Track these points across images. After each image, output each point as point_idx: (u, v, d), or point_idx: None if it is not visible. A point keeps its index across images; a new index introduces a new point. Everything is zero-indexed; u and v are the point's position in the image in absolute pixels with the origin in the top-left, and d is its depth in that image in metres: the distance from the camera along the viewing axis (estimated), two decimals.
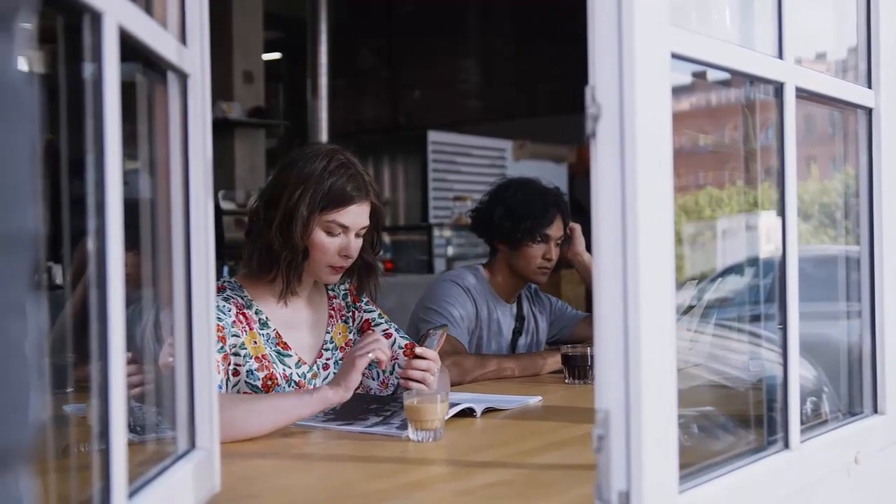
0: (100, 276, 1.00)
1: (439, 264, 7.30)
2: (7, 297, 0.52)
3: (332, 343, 2.32)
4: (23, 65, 0.57)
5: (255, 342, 2.16)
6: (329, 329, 2.33)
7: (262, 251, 2.18)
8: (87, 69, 1.01)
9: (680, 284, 1.28)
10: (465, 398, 2.15)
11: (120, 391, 1.01)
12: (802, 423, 1.54)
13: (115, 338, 1.01)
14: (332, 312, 2.36)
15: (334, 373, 2.27)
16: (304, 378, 2.23)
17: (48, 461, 1.09)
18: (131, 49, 1.10)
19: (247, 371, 2.13)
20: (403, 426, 1.89)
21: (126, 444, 1.02)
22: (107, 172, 1.00)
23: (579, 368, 2.62)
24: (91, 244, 1.00)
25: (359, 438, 1.90)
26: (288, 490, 1.58)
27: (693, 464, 1.32)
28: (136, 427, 1.37)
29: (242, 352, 2.12)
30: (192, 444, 1.36)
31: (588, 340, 2.92)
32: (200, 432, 1.37)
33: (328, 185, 2.14)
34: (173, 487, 1.22)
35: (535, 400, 2.32)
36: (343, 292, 2.40)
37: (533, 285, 3.16)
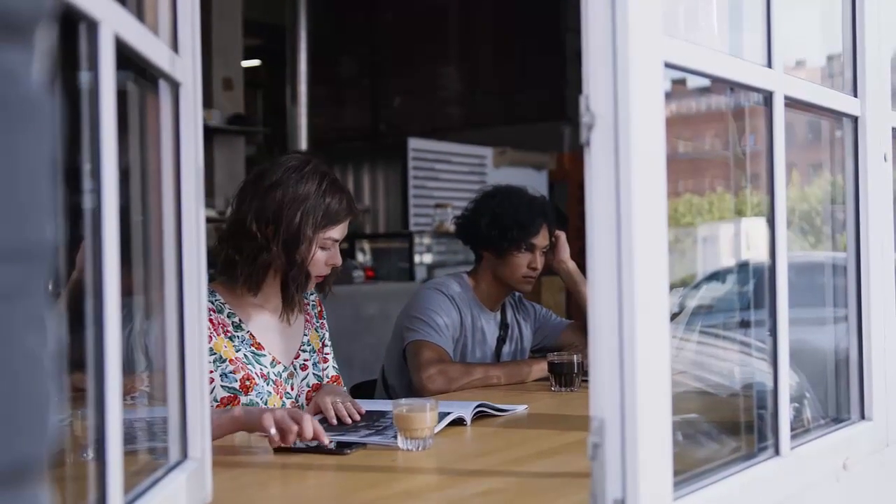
0: (95, 284, 0.99)
1: (420, 272, 7.29)
2: (26, 309, 0.52)
3: (309, 346, 2.40)
4: (42, 76, 0.56)
5: (226, 346, 2.21)
6: (306, 332, 2.41)
7: (260, 270, 2.23)
8: (83, 77, 1.00)
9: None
10: (453, 407, 2.14)
11: (116, 402, 1.00)
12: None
13: (111, 349, 1.00)
14: (308, 317, 2.44)
15: (313, 373, 2.38)
16: (280, 377, 2.29)
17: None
18: (124, 57, 1.10)
19: (221, 375, 2.18)
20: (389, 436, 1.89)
21: (122, 456, 1.02)
22: (103, 181, 0.99)
23: (566, 376, 2.62)
24: (87, 253, 1.00)
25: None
26: (279, 500, 1.57)
27: (686, 471, 1.33)
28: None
29: (212, 357, 2.14)
30: (185, 455, 1.35)
31: (572, 348, 2.92)
32: (192, 443, 1.36)
33: (327, 204, 2.24)
34: (167, 498, 1.21)
35: (522, 408, 2.33)
36: (312, 302, 2.48)
37: (517, 293, 3.16)
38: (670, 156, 1.25)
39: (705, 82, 1.57)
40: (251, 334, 2.27)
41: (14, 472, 0.51)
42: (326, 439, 1.84)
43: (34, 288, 0.53)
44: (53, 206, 0.57)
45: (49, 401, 0.54)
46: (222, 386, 2.17)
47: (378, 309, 5.92)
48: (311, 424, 1.82)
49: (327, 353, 2.49)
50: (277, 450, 1.85)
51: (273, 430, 1.80)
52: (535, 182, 7.43)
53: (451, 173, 8.16)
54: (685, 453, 1.49)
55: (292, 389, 2.31)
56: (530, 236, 2.96)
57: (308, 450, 1.85)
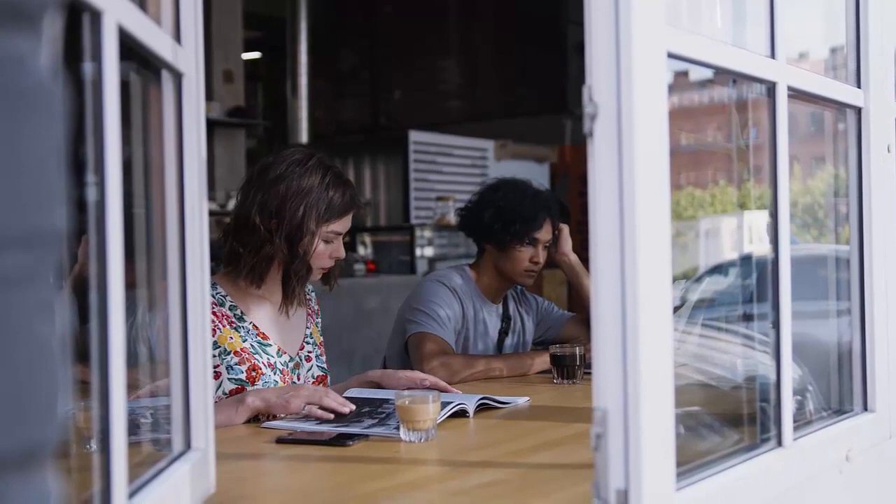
0: (100, 277, 0.99)
1: (421, 265, 7.29)
2: (36, 295, 0.52)
3: (311, 338, 2.43)
4: (49, 63, 0.56)
5: (232, 338, 2.23)
6: (308, 325, 2.43)
7: (263, 262, 2.25)
8: (87, 68, 1.00)
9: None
10: (456, 398, 2.15)
11: (120, 393, 1.00)
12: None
13: (115, 340, 1.00)
14: (310, 311, 2.46)
15: (317, 366, 2.41)
16: (287, 367, 2.31)
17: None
18: (127, 48, 1.10)
19: (227, 367, 2.19)
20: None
21: (126, 446, 1.02)
22: (107, 173, 0.99)
23: (568, 368, 2.63)
24: (91, 245, 1.00)
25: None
26: (282, 491, 1.57)
27: (689, 462, 1.33)
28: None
29: (216, 350, 2.16)
30: (188, 445, 1.35)
31: (574, 340, 2.93)
32: (196, 433, 1.36)
33: (330, 198, 2.25)
34: (171, 488, 1.22)
35: (523, 400, 2.33)
36: (313, 297, 2.52)
37: (519, 286, 3.16)
38: (672, 148, 1.24)
39: (708, 74, 1.57)
40: (255, 325, 2.28)
41: (23, 457, 0.51)
42: (350, 407, 2.05)
43: (43, 275, 0.53)
44: (63, 194, 0.57)
45: (58, 387, 0.54)
46: (229, 378, 2.19)
47: (379, 302, 5.92)
48: (336, 397, 2.07)
49: (320, 354, 2.51)
50: (280, 441, 1.86)
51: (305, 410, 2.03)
52: (536, 175, 7.43)
53: (452, 166, 8.16)
54: (688, 445, 1.49)
55: (298, 379, 2.33)
56: (533, 230, 2.95)
57: (311, 441, 1.85)
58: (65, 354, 0.55)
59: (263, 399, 2.06)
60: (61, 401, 0.55)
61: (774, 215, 1.53)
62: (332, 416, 2.02)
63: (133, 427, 1.38)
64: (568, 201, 7.49)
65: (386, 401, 2.14)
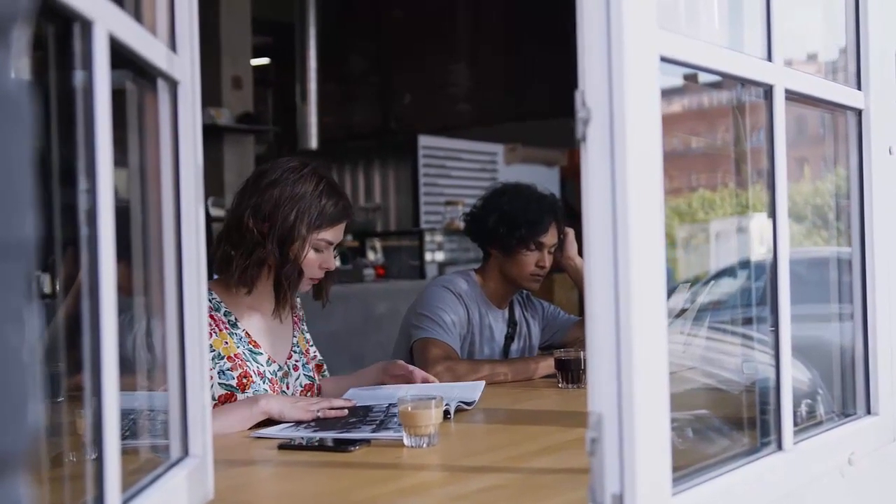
0: (92, 285, 1.00)
1: (431, 270, 7.29)
2: (6, 304, 0.52)
3: (298, 347, 2.44)
4: (20, 73, 0.57)
5: (227, 343, 2.25)
6: (295, 334, 2.45)
7: (254, 266, 2.26)
8: (78, 77, 1.01)
9: (673, 287, 1.28)
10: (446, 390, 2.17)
11: (113, 400, 1.01)
12: (797, 425, 1.54)
13: (108, 346, 1.00)
14: (296, 320, 2.48)
15: (304, 374, 2.42)
16: (276, 376, 2.33)
17: (41, 470, 1.08)
18: (121, 56, 1.10)
19: (219, 372, 2.21)
20: (401, 429, 1.88)
21: (119, 453, 1.02)
22: (98, 180, 1.00)
23: (572, 372, 2.62)
24: (83, 253, 1.00)
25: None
26: (281, 497, 1.57)
27: (687, 466, 1.32)
28: (126, 433, 1.36)
29: (210, 354, 2.17)
30: (186, 452, 1.36)
31: (580, 344, 2.92)
32: (193, 440, 1.37)
33: (322, 205, 2.27)
34: (167, 495, 1.22)
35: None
36: (298, 305, 2.54)
37: (525, 290, 3.16)
38: (683, 151, 1.24)
39: (716, 76, 1.56)
40: (247, 333, 2.30)
41: None
42: (352, 403, 2.19)
43: (13, 283, 0.53)
44: (33, 203, 0.57)
45: (28, 395, 0.55)
46: (220, 384, 2.20)
47: (388, 307, 5.92)
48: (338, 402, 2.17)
49: (315, 351, 2.54)
50: (282, 447, 1.86)
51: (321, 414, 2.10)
52: (546, 178, 7.43)
53: (461, 171, 8.16)
54: (689, 449, 1.49)
55: (287, 388, 2.34)
56: (539, 235, 2.95)
57: (313, 447, 1.85)
58: (35, 362, 0.55)
59: (278, 404, 2.09)
60: (32, 408, 0.55)
61: (773, 217, 1.52)
62: (346, 412, 2.12)
63: (139, 432, 1.39)
64: (578, 205, 7.48)
65: (370, 410, 2.15)
